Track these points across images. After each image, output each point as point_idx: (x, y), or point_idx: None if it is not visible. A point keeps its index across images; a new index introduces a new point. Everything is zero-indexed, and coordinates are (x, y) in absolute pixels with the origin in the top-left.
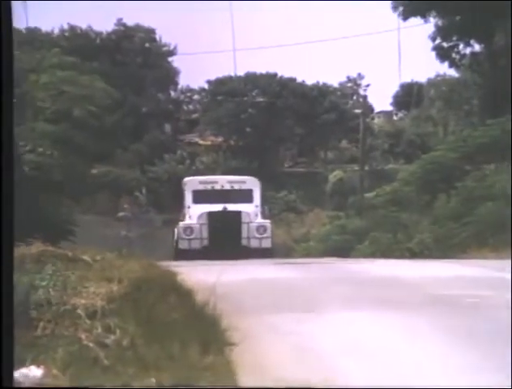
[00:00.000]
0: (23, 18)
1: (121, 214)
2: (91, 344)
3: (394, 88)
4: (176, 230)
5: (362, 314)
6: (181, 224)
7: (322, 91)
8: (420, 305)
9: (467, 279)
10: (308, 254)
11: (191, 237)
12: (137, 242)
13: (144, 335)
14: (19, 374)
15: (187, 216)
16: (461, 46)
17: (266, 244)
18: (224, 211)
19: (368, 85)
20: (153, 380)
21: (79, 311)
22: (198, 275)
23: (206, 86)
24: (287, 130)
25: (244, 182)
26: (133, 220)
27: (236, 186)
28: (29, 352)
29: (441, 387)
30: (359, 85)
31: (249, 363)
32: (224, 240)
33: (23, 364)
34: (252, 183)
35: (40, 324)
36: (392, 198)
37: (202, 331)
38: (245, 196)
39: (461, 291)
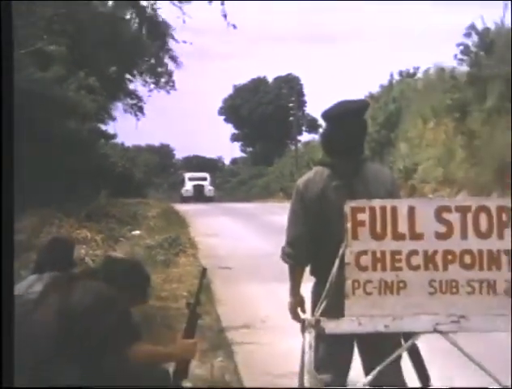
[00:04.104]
0: None
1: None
2: (152, 225)
3: None
4: (181, 191)
5: (230, 218)
6: (183, 188)
7: None
8: (250, 214)
9: (265, 208)
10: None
11: (187, 192)
12: (165, 200)
13: (165, 225)
14: (136, 232)
15: (186, 185)
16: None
17: (212, 195)
18: (199, 184)
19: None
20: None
21: (149, 217)
22: (182, 207)
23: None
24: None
25: (205, 174)
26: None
27: (202, 175)
28: (136, 229)
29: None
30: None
31: (194, 232)
32: (198, 193)
33: (135, 230)
34: (207, 175)
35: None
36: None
37: (181, 223)
38: (205, 179)
39: (264, 212)
